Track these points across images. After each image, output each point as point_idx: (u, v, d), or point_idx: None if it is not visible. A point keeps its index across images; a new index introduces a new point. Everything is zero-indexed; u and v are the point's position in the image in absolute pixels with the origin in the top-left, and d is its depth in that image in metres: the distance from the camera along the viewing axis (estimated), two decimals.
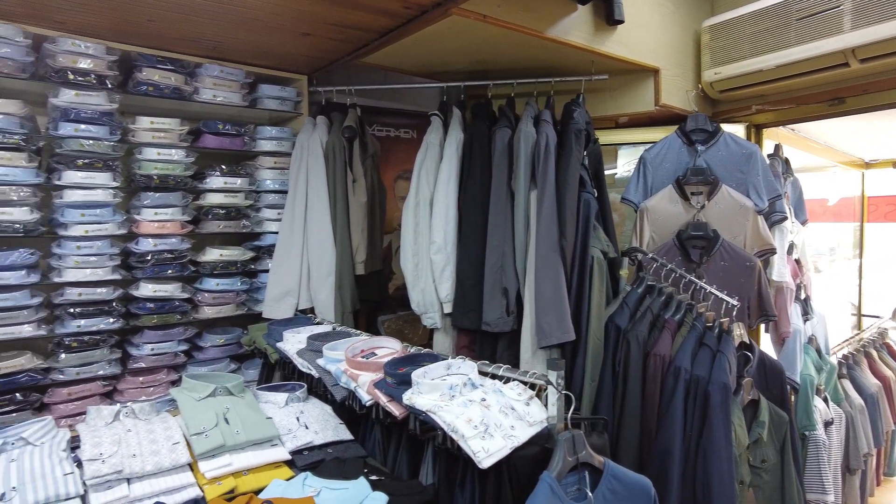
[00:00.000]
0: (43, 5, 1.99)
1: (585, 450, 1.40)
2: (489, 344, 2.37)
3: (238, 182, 2.64)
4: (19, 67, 2.11)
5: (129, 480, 1.49)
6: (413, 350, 1.85)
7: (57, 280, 2.22)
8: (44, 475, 1.45)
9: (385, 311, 3.27)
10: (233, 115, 2.72)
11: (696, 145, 2.52)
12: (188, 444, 1.62)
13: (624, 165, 3.21)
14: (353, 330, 2.14)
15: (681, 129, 2.57)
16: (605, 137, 2.79)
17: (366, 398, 1.64)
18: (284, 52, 2.50)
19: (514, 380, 1.58)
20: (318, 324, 2.32)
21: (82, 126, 2.22)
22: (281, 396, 1.91)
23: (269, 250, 2.70)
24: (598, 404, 2.01)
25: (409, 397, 1.47)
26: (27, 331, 2.16)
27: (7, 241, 2.17)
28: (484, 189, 2.35)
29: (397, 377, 1.58)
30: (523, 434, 1.37)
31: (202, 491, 1.51)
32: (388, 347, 1.88)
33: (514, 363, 2.23)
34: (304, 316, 2.49)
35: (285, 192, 2.69)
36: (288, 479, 1.56)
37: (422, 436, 1.54)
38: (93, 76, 2.23)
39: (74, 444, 1.60)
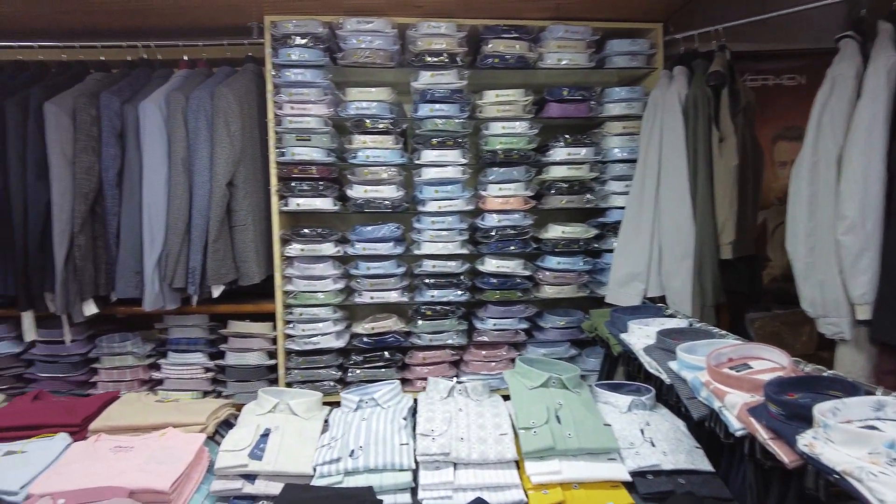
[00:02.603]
0: None
1: None
2: None
3: (582, 152, 2.40)
4: (389, 57, 2.30)
5: (455, 464, 1.41)
6: (809, 368, 1.29)
7: (416, 252, 2.38)
8: (385, 439, 1.48)
9: (756, 307, 2.60)
10: (578, 80, 2.49)
11: None
12: (515, 437, 1.47)
13: None
14: (715, 329, 1.66)
15: None
16: None
17: (736, 426, 1.18)
18: None
19: None
20: (669, 316, 1.91)
21: (436, 106, 2.31)
22: (623, 399, 1.60)
23: (614, 227, 2.40)
24: None
25: (808, 443, 0.97)
26: (393, 297, 2.38)
27: (380, 217, 2.42)
28: None
29: (787, 407, 1.08)
30: None
31: (526, 497, 1.32)
32: (769, 360, 1.36)
33: None
34: (654, 305, 2.10)
35: (635, 162, 2.33)
36: None
37: (828, 502, 1.01)
38: (445, 55, 2.29)
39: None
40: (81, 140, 2.11)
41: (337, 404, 1.72)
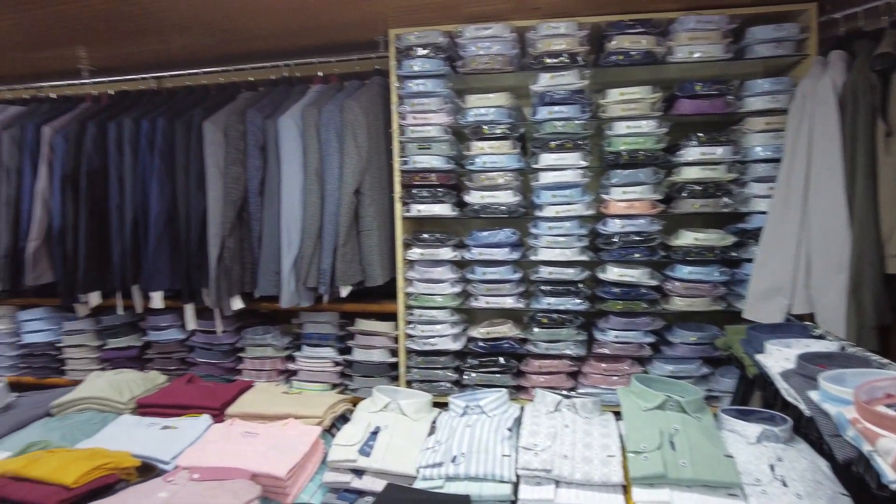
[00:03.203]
0: None
1: None
2: None
3: (718, 152, 2.19)
4: (507, 61, 2.29)
5: (556, 482, 1.36)
6: None
7: (533, 258, 2.34)
8: (487, 448, 1.47)
9: None
10: (713, 73, 2.27)
11: None
12: (624, 460, 1.38)
13: None
14: (874, 356, 1.42)
15: None
16: None
17: (891, 477, 1.00)
18: None
19: None
20: (818, 337, 1.67)
21: (555, 108, 2.25)
22: (753, 429, 1.43)
23: (755, 234, 2.15)
24: None
25: None
26: (509, 302, 2.37)
27: (496, 222, 2.41)
28: None
29: None
30: None
31: None
32: None
33: None
34: (799, 324, 1.85)
35: (779, 161, 2.07)
36: None
37: None
38: (565, 56, 2.22)
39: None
40: (231, 153, 2.37)
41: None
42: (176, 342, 2.64)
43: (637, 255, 2.25)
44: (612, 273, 2.27)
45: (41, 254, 2.56)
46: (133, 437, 1.64)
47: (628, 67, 2.23)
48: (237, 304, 2.43)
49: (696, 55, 2.17)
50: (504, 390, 1.71)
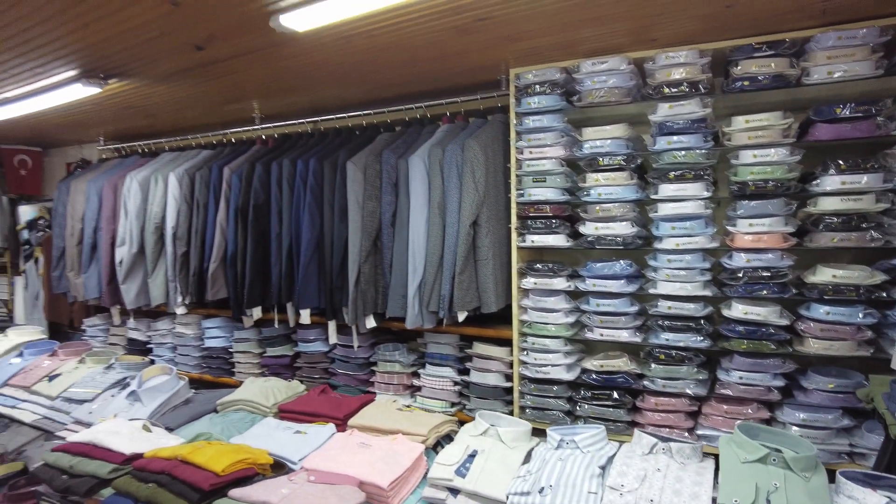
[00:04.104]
0: (643, 28, 2.08)
1: None
2: None
3: (864, 180, 1.97)
4: (625, 93, 2.28)
5: None
6: None
7: (651, 291, 2.29)
8: (574, 484, 1.51)
9: None
10: (858, 94, 2.05)
11: None
12: None
13: None
14: None
15: None
16: None
17: None
18: None
19: None
20: None
21: (674, 137, 2.20)
22: (874, 498, 1.31)
23: None
24: None
25: None
26: (624, 336, 2.33)
27: (613, 253, 2.40)
28: None
29: None
30: None
31: None
32: None
33: None
34: None
35: None
36: None
37: None
38: (685, 84, 2.16)
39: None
40: (368, 190, 2.66)
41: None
42: (321, 354, 3.00)
43: (765, 292, 2.10)
44: (737, 310, 2.14)
45: (218, 273, 3.09)
46: (271, 437, 1.93)
47: (756, 92, 2.11)
48: (370, 322, 2.71)
49: (838, 75, 1.98)
50: (602, 427, 1.73)
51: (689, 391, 2.23)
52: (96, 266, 3.46)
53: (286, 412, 2.11)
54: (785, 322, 2.09)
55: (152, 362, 3.32)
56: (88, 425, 2.20)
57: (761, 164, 2.10)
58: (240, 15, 1.95)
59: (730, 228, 2.17)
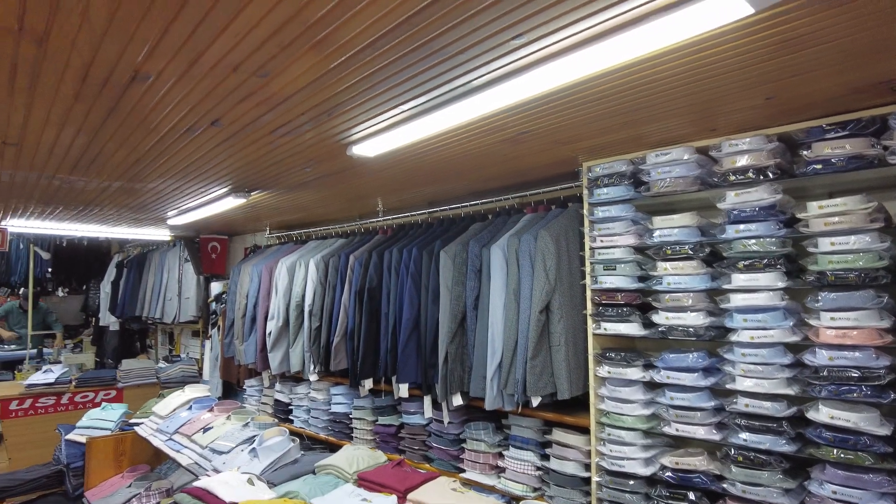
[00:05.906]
0: (700, 119, 2.10)
1: None
2: None
3: None
4: (690, 182, 2.27)
5: None
6: None
7: (728, 387, 2.15)
8: None
9: None
10: None
11: None
12: None
13: None
14: None
15: None
16: None
17: None
18: None
19: None
20: None
21: (741, 226, 2.12)
22: None
23: None
24: None
25: None
26: (701, 433, 2.20)
27: (689, 343, 2.31)
28: None
29: None
30: None
31: None
32: None
33: None
34: None
35: None
36: None
37: None
38: (751, 171, 2.10)
39: None
40: (456, 276, 2.91)
41: None
42: (420, 426, 3.22)
43: (855, 394, 1.87)
44: (823, 414, 1.92)
45: (341, 346, 3.53)
46: (343, 503, 2.18)
47: (832, 174, 1.97)
48: (457, 400, 2.88)
49: None
50: None
51: (772, 500, 2.01)
52: (254, 336, 4.16)
53: (362, 480, 2.36)
54: (885, 432, 1.83)
55: (277, 424, 3.83)
56: (219, 473, 2.67)
57: (841, 252, 1.92)
58: (327, 147, 2.42)
59: (811, 322, 1.99)
